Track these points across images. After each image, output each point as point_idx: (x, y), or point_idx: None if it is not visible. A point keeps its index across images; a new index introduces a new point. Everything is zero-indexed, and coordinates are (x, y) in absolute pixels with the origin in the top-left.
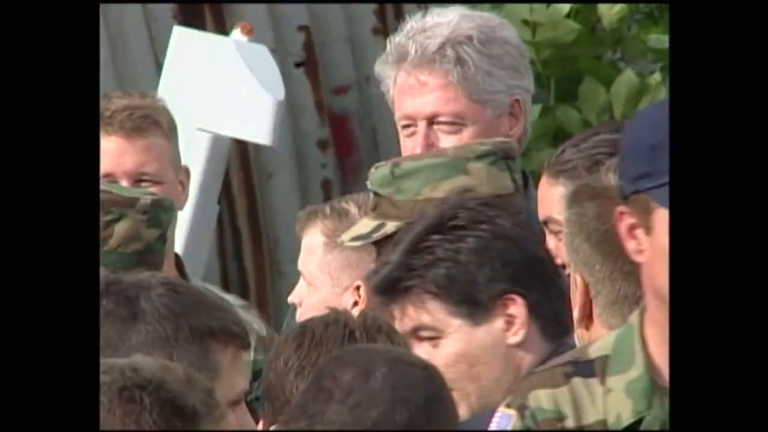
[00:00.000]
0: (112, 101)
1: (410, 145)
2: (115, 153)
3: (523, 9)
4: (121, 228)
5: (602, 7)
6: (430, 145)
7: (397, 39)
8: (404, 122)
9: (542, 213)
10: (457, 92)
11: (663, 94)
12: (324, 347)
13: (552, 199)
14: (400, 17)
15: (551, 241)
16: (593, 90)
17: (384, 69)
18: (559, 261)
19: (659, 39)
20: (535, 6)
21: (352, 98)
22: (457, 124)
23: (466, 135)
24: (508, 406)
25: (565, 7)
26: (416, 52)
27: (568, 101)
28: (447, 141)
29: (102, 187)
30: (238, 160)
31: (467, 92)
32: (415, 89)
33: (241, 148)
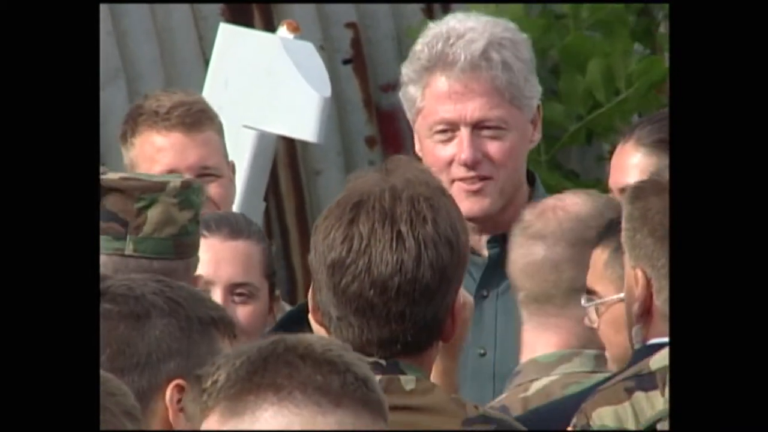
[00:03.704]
0: (160, 98)
1: (450, 150)
2: (177, 148)
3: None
4: (153, 213)
5: None
6: (477, 150)
7: (430, 45)
8: (441, 127)
9: (620, 181)
10: (501, 97)
11: (632, 66)
12: None
13: (629, 167)
14: (447, 13)
15: None
16: (571, 81)
17: (414, 73)
18: None
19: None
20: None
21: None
22: (502, 129)
23: (509, 141)
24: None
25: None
26: (465, 58)
27: (550, 96)
28: (492, 147)
29: (127, 175)
30: (286, 158)
31: (510, 97)
32: (458, 95)
33: (289, 145)
